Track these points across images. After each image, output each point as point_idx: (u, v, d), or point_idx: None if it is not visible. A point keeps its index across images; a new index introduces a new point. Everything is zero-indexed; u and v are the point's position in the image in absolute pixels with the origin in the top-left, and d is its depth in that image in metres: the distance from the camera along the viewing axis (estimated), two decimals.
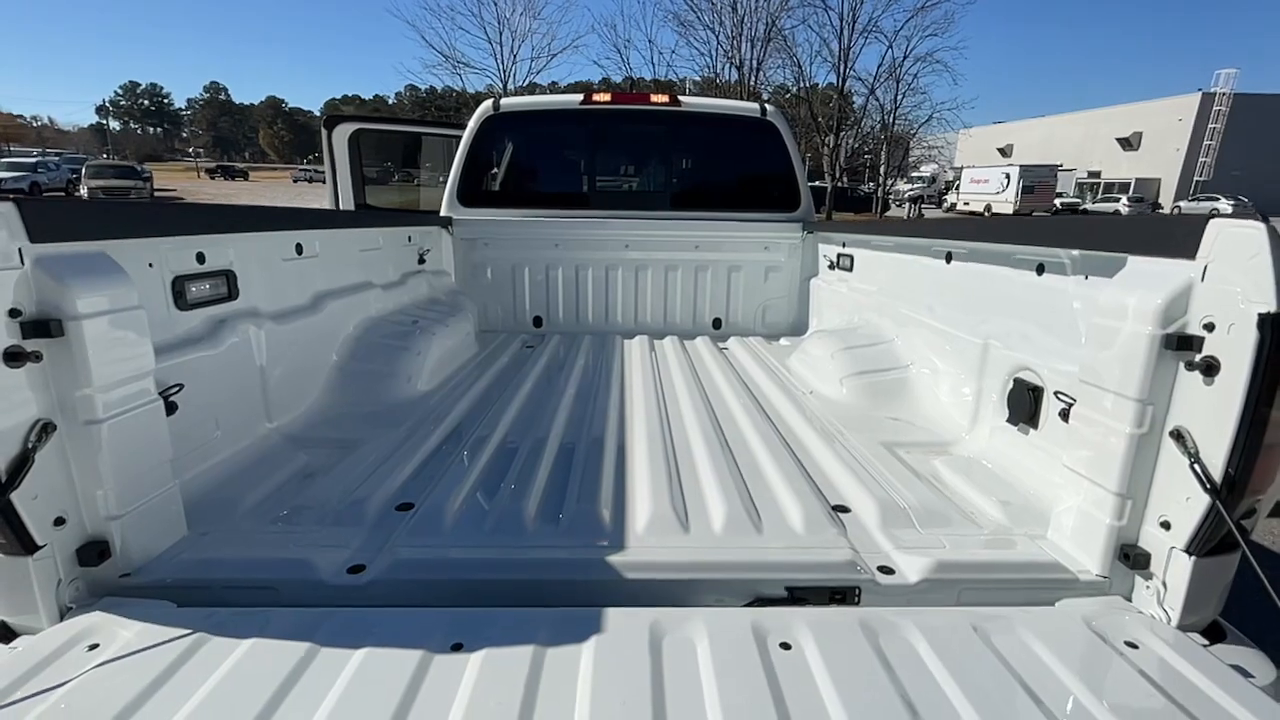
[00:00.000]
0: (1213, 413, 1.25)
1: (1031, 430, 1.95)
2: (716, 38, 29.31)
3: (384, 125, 5.82)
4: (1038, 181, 41.63)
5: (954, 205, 46.79)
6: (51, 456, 1.32)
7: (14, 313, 1.26)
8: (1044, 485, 1.80)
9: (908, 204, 40.09)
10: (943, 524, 1.70)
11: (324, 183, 5.04)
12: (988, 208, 41.72)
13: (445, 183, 4.49)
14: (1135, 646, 1.25)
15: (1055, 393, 1.79)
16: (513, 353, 3.73)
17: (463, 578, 1.47)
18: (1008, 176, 42.34)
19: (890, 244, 3.26)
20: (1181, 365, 1.32)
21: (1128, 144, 51.10)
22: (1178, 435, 1.32)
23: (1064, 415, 1.70)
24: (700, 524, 1.70)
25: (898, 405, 2.65)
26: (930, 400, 2.59)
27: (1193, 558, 1.31)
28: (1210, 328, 1.26)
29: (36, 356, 1.28)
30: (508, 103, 4.47)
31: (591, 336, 4.08)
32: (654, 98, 4.52)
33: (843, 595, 1.46)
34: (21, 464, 1.25)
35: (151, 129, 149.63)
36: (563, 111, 4.51)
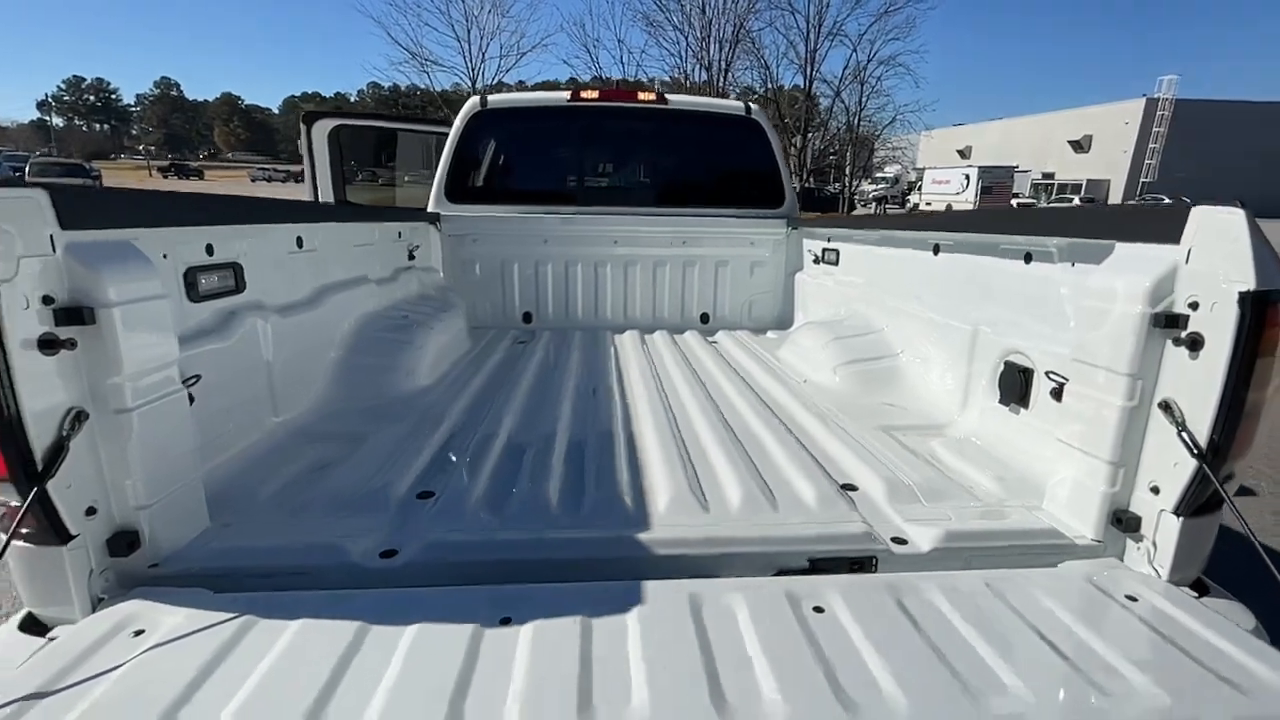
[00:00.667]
0: (1198, 384, 1.37)
1: (1023, 410, 2.06)
2: (685, 39, 29.51)
3: (366, 121, 5.73)
4: (995, 182, 43.14)
5: (916, 205, 48.03)
6: (82, 445, 1.32)
7: (47, 300, 1.25)
8: (1036, 460, 1.92)
9: (873, 204, 41.03)
10: (945, 498, 1.79)
11: (283, 181, 4.95)
12: (949, 207, 42.93)
13: (415, 182, 4.45)
14: (1135, 600, 1.36)
15: (1047, 372, 1.91)
16: (505, 348, 3.74)
17: (496, 558, 1.51)
18: (968, 177, 43.76)
19: (876, 238, 3.37)
20: (1169, 342, 1.43)
21: (1079, 146, 53.19)
22: (1166, 406, 1.43)
23: (1056, 394, 1.81)
24: (718, 503, 1.76)
25: (891, 391, 2.76)
26: (923, 385, 2.71)
27: (1180, 518, 1.43)
28: (1195, 306, 1.38)
29: (71, 344, 1.27)
30: (495, 99, 4.48)
31: (582, 332, 4.12)
32: (641, 95, 4.56)
33: (861, 565, 1.54)
34: (57, 452, 1.24)
35: (98, 125, 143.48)
36: (550, 108, 4.53)
